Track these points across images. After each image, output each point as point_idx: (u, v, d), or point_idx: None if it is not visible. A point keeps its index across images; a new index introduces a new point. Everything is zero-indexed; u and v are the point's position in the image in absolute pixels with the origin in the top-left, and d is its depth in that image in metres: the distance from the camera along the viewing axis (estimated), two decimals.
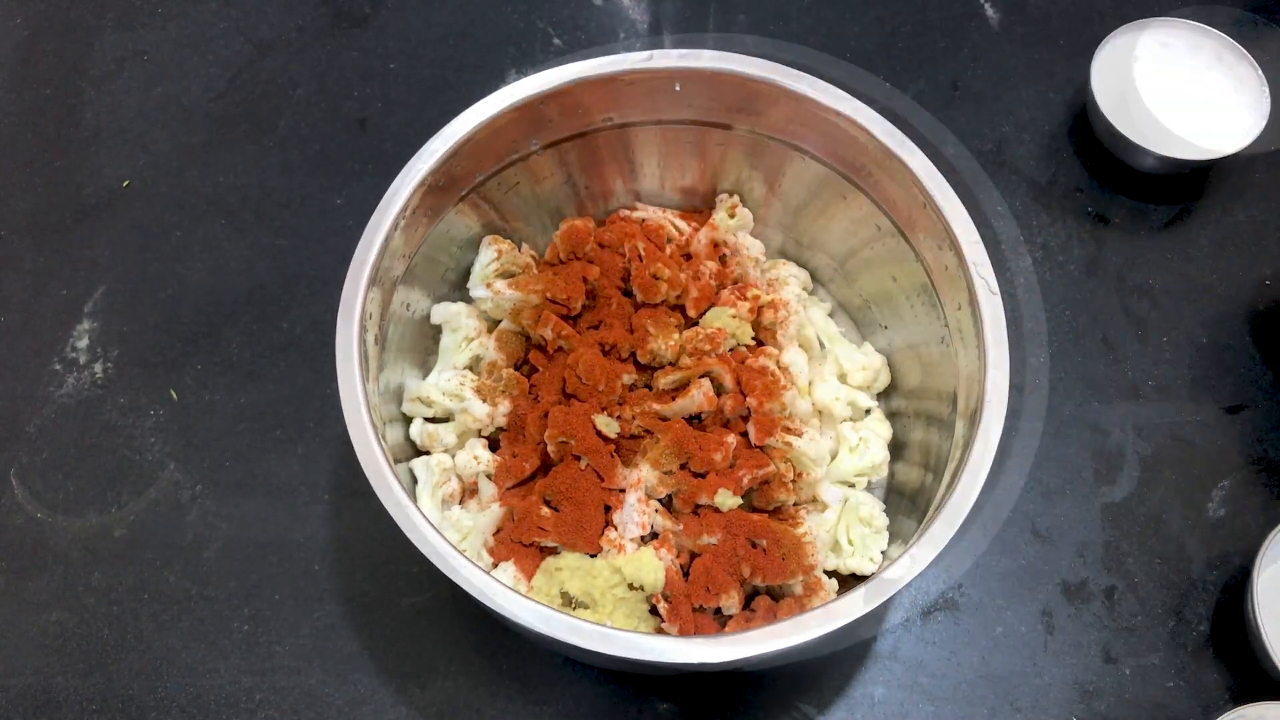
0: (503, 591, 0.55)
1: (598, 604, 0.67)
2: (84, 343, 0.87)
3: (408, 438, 0.75)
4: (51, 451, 0.83)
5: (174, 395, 0.85)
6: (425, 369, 0.78)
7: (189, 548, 0.79)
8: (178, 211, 0.93)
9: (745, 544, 0.68)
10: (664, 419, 0.72)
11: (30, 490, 0.81)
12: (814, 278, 0.85)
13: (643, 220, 0.81)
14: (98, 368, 0.86)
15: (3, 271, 0.90)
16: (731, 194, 0.82)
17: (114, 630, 0.77)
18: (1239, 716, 0.69)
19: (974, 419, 0.64)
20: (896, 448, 0.78)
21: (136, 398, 0.85)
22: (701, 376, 0.73)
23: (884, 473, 0.76)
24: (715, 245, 0.81)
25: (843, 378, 0.79)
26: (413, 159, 0.69)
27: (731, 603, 0.67)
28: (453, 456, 0.74)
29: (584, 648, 0.55)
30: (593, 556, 0.69)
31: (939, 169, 0.69)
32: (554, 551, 0.71)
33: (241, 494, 0.81)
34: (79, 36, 1.02)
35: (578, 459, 0.71)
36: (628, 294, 0.77)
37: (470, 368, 0.77)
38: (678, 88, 0.74)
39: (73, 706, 0.74)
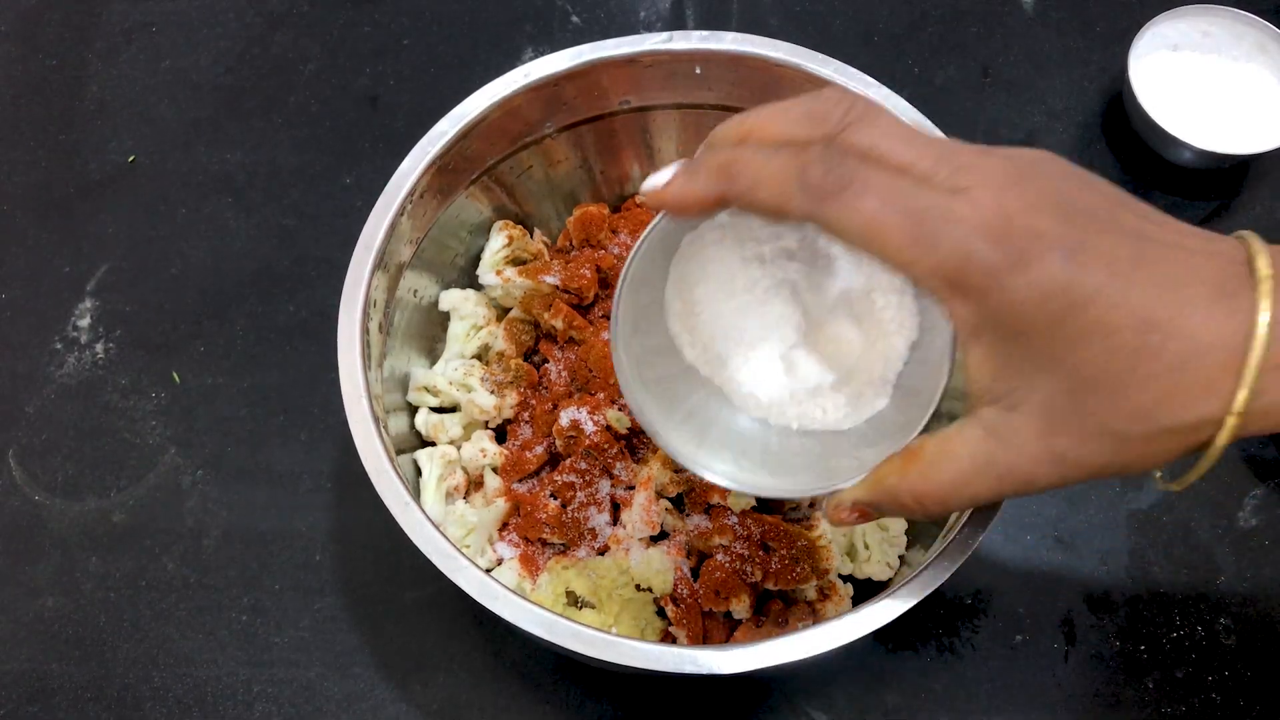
0: (504, 595, 0.53)
1: (604, 605, 0.65)
2: (85, 322, 0.85)
3: (413, 427, 0.73)
4: (51, 433, 0.81)
5: (176, 378, 0.83)
6: (432, 357, 0.76)
7: (188, 535, 0.77)
8: (183, 189, 0.91)
9: (757, 546, 0.66)
10: None
11: (28, 472, 0.80)
12: None
13: None
14: (99, 348, 0.84)
15: (4, 247, 0.88)
16: None
17: (111, 617, 0.75)
18: None
19: None
20: None
21: (138, 379, 0.83)
22: None
23: None
24: None
25: None
26: (422, 140, 0.67)
27: (742, 607, 0.65)
28: (458, 448, 0.72)
29: (588, 655, 0.53)
30: (600, 555, 0.67)
31: None
32: (561, 549, 0.69)
33: (243, 481, 0.79)
34: (86, 7, 1.00)
35: (587, 454, 0.69)
36: None
37: (479, 357, 0.75)
38: (699, 70, 0.71)
39: (67, 694, 0.73)
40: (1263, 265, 0.38)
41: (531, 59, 0.70)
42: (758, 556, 0.66)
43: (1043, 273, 0.37)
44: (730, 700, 0.72)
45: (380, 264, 0.65)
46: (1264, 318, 0.37)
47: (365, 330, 0.62)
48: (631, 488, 0.68)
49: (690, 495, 0.68)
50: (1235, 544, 0.77)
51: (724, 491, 0.67)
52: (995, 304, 0.38)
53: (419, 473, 0.71)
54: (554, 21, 0.98)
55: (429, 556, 0.55)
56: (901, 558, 0.70)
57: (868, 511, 0.47)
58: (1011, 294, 0.37)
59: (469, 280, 0.77)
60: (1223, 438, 0.38)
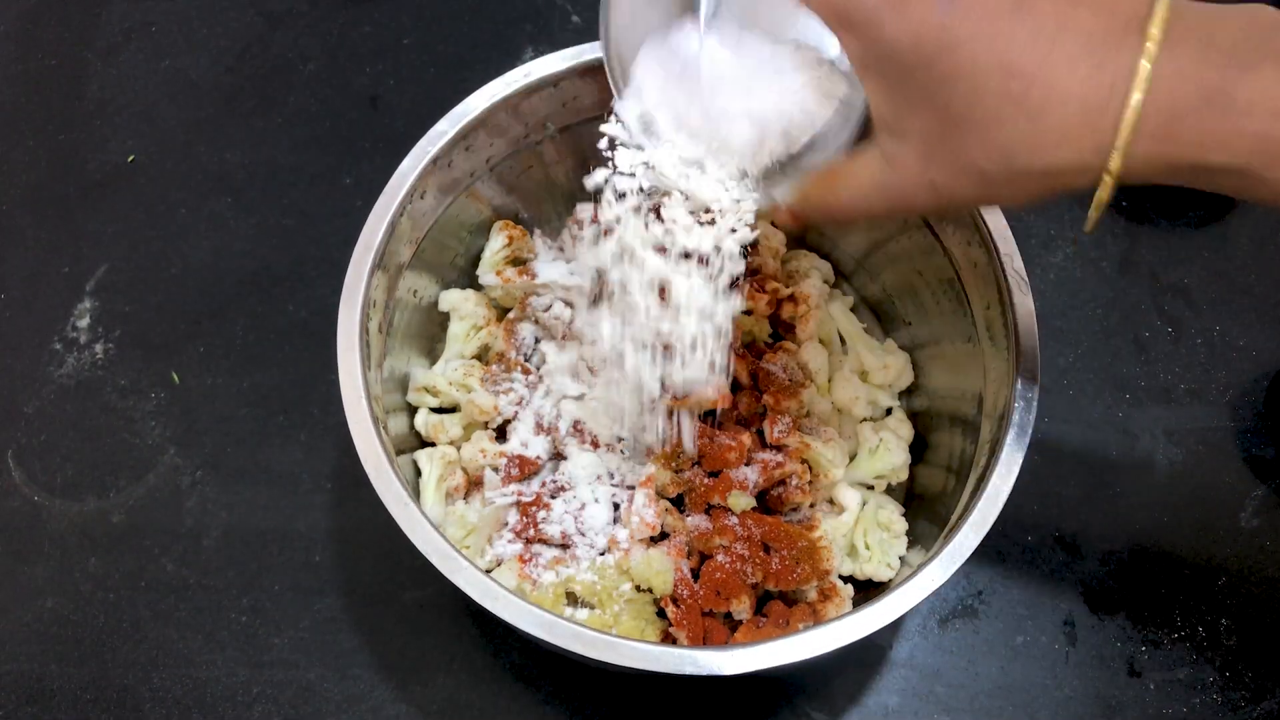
0: (504, 595, 0.53)
1: (604, 605, 0.65)
2: (85, 322, 0.85)
3: (412, 428, 0.73)
4: (50, 433, 0.81)
5: (175, 378, 0.83)
6: (432, 357, 0.76)
7: (187, 535, 0.77)
8: (183, 188, 0.91)
9: (758, 547, 0.66)
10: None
11: (28, 472, 0.80)
12: (836, 270, 0.82)
13: None
14: (98, 348, 0.84)
15: (4, 247, 0.88)
16: None
17: (110, 618, 0.75)
18: None
19: (1001, 421, 0.61)
20: (918, 449, 0.75)
21: (137, 380, 0.83)
22: None
23: (904, 475, 0.74)
24: None
25: (864, 375, 0.76)
26: (422, 140, 0.67)
27: (742, 608, 0.65)
28: (458, 448, 0.72)
29: (588, 655, 0.53)
30: (600, 555, 0.67)
31: None
32: (560, 549, 0.68)
33: (242, 481, 0.79)
34: (86, 6, 1.00)
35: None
36: None
37: (478, 357, 0.75)
38: None
39: (66, 696, 0.73)
40: (1155, 26, 0.38)
41: (531, 59, 0.70)
42: (758, 557, 0.65)
43: (919, 16, 0.39)
44: (731, 701, 0.72)
45: (380, 264, 0.64)
46: (1140, 75, 0.38)
47: (365, 330, 0.62)
48: (631, 488, 0.68)
49: (690, 495, 0.68)
50: (1235, 544, 0.77)
51: (724, 492, 0.67)
52: (877, 42, 0.41)
53: (419, 473, 0.71)
54: (554, 21, 0.98)
55: (428, 557, 0.55)
56: (902, 558, 0.70)
57: (797, 216, 0.54)
58: (890, 34, 0.40)
59: (469, 280, 0.77)
60: (1103, 192, 0.41)
